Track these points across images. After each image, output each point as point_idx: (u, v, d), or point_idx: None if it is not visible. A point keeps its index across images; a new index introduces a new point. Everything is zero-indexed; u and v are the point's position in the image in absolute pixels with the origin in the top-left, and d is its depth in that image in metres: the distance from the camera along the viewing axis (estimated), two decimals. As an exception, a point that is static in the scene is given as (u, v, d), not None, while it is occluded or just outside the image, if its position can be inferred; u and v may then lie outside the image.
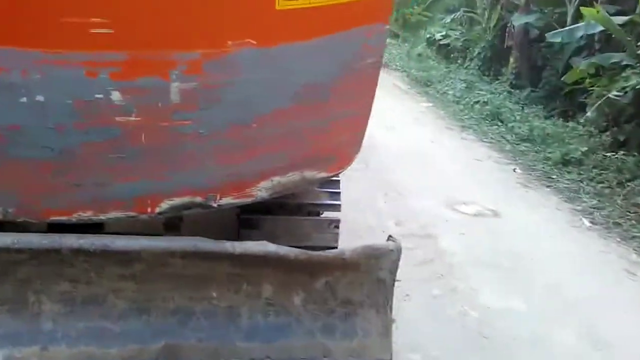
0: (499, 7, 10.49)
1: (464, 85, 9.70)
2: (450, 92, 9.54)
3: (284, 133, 2.33)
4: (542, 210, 5.09)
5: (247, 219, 2.87)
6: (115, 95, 1.93)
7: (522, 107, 8.55)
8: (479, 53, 11.04)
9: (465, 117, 8.29)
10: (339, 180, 3.16)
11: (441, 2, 15.14)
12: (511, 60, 9.90)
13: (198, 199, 2.31)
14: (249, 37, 1.99)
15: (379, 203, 4.79)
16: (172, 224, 2.52)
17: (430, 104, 9.13)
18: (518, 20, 9.42)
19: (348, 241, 3.77)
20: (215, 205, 2.36)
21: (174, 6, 1.88)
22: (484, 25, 11.23)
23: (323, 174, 2.63)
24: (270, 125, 2.25)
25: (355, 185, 5.08)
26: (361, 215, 4.40)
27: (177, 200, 2.27)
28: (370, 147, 6.44)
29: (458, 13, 12.56)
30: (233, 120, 2.15)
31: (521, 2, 9.64)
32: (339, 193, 3.14)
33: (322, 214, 3.09)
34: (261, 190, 2.44)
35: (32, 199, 2.12)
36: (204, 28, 1.94)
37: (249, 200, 2.42)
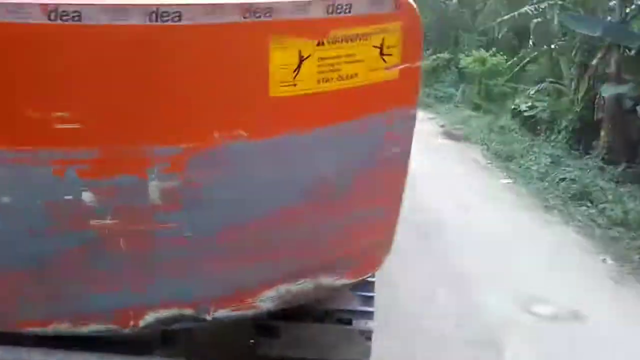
0: (587, 76, 9.81)
1: (549, 160, 8.97)
2: (534, 168, 8.83)
3: (293, 235, 2.02)
4: (638, 314, 4.31)
5: (264, 326, 2.55)
6: (87, 196, 1.71)
7: (616, 185, 7.71)
8: (566, 126, 10.28)
9: (550, 196, 7.56)
10: (373, 282, 2.76)
11: (527, 73, 14.63)
12: (602, 133, 9.11)
13: (188, 312, 2.02)
14: (239, 129, 1.73)
15: (437, 296, 4.25)
16: (168, 336, 2.21)
17: (511, 181, 8.48)
18: (608, 91, 8.71)
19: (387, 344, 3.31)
20: (209, 318, 2.06)
21: (150, 96, 1.65)
22: (571, 96, 10.53)
23: (343, 281, 2.28)
24: (273, 227, 1.95)
25: (413, 271, 4.61)
26: (416, 309, 3.91)
27: (163, 313, 2.00)
28: (438, 227, 6.00)
29: (544, 84, 11.93)
30: (225, 223, 1.87)
31: (612, 71, 8.95)
32: (372, 297, 2.73)
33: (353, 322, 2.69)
34: (265, 301, 2.12)
35: (6, 308, 1.92)
36: (187, 120, 1.70)
37: (250, 312, 2.12)
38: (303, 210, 1.95)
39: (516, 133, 11.68)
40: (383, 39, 1.84)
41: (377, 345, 2.62)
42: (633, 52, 8.79)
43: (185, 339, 2.30)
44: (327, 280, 2.20)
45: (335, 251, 2.15)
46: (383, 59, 1.88)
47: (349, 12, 1.73)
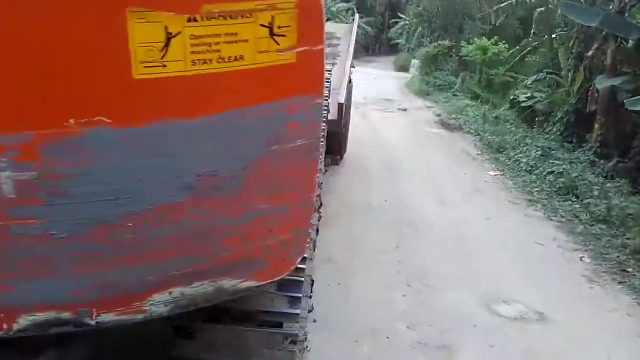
0: (582, 68, 9.51)
1: (539, 152, 8.72)
2: (524, 160, 8.59)
3: (179, 234, 1.83)
4: (607, 316, 4.11)
5: (179, 326, 2.39)
6: None
7: (604, 180, 7.46)
8: (561, 118, 10.02)
9: (536, 189, 7.34)
10: (301, 282, 2.58)
11: (528, 63, 14.29)
12: (596, 126, 8.84)
13: (67, 315, 1.84)
14: (99, 115, 1.53)
15: (395, 297, 4.06)
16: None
17: (499, 173, 8.24)
18: (602, 82, 8.43)
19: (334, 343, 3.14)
20: (92, 322, 1.88)
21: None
22: (567, 87, 10.24)
23: (249, 283, 2.08)
24: (153, 225, 1.76)
25: (374, 273, 4.45)
26: (369, 311, 3.72)
27: (39, 316, 1.82)
28: (411, 226, 5.77)
29: (541, 74, 11.62)
30: (95, 219, 1.68)
31: (608, 63, 8.65)
32: (299, 298, 2.55)
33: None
34: (157, 305, 1.93)
35: None
36: (33, 105, 1.50)
37: (140, 316, 1.93)
38: (187, 206, 1.76)
39: (510, 124, 11.42)
40: (272, 18, 1.64)
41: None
42: (630, 43, 8.48)
43: (96, 337, 2.14)
44: (229, 282, 2.01)
45: (233, 251, 1.96)
46: (274, 40, 1.67)
47: (224, -16, 1.53)
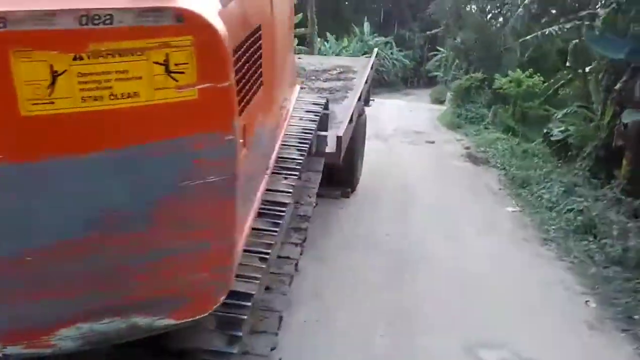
0: (609, 101, 9.19)
1: (562, 188, 8.41)
2: (546, 196, 8.28)
3: (86, 270, 1.83)
4: (600, 366, 3.86)
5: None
6: None
7: (628, 219, 7.10)
8: (590, 153, 9.66)
9: (553, 227, 7.05)
10: (242, 320, 2.52)
11: (562, 96, 13.94)
12: (624, 162, 8.47)
13: (-27, 346, 1.85)
14: (-11, 150, 1.56)
15: (374, 338, 3.93)
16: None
17: (517, 209, 7.98)
18: (629, 117, 8.10)
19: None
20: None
21: None
22: (597, 121, 9.91)
23: (167, 322, 2.06)
24: (55, 260, 1.77)
25: (359, 311, 4.33)
26: (344, 352, 3.61)
27: (-58, 346, 1.83)
28: (410, 262, 5.62)
29: (571, 108, 11.30)
30: (-5, 253, 1.69)
31: (636, 96, 8.34)
32: (239, 337, 2.49)
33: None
34: (65, 340, 1.93)
35: None
36: None
37: (48, 350, 1.93)
38: (91, 242, 1.76)
39: (539, 158, 11.08)
40: (167, 55, 1.64)
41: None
42: (660, 76, 8.17)
43: None
44: (143, 320, 1.99)
45: (146, 289, 1.94)
46: (172, 77, 1.68)
47: (110, 23, 1.54)
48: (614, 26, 9.70)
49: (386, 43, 31.04)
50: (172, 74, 1.67)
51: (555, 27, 10.42)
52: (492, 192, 8.94)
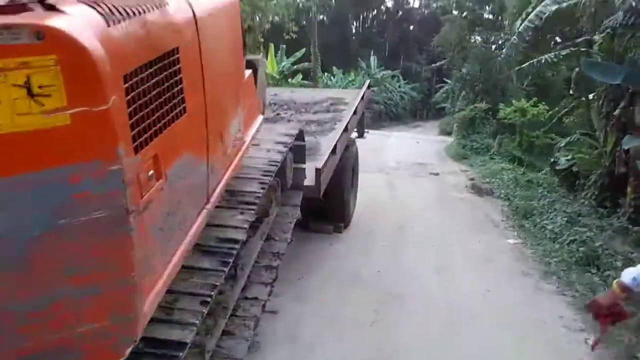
0: (608, 128, 8.92)
1: (565, 219, 8.07)
2: (549, 227, 7.93)
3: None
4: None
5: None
6: None
7: (635, 249, 6.73)
8: (594, 181, 9.34)
9: (555, 259, 6.69)
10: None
11: (566, 124, 13.66)
12: (629, 189, 8.13)
13: None
14: None
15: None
16: None
17: (519, 241, 7.63)
18: (629, 143, 7.81)
19: None
20: None
21: None
22: (600, 149, 9.61)
23: (61, 375, 1.81)
24: None
25: (339, 353, 4.05)
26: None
27: None
28: (398, 299, 5.30)
29: (574, 136, 11.02)
30: None
31: (637, 122, 8.06)
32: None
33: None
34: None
35: None
36: None
37: None
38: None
39: (544, 188, 10.76)
40: (28, 77, 1.46)
41: None
42: (660, 100, 7.90)
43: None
44: (33, 374, 1.75)
45: (35, 341, 1.71)
46: (36, 102, 1.48)
47: (-46, 42, 1.37)
48: (610, 52, 9.52)
49: (393, 76, 31.12)
50: (37, 98, 1.49)
51: (552, 55, 10.22)
52: (494, 224, 8.61)
